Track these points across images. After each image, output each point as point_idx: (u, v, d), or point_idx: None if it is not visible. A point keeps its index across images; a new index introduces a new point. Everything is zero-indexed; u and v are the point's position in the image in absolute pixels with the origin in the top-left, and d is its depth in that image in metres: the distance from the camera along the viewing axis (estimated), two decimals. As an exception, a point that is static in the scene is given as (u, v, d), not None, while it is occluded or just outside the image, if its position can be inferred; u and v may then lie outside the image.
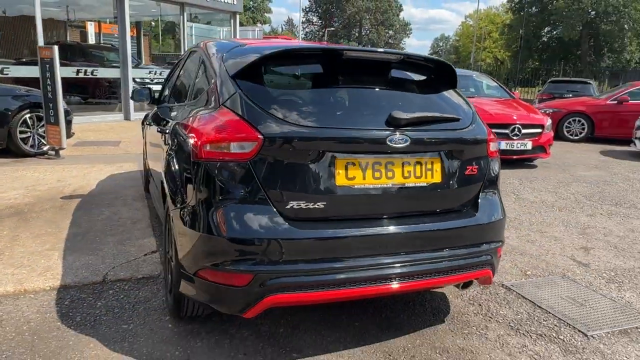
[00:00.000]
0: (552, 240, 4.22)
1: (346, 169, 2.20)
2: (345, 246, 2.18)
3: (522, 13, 40.27)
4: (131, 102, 11.48)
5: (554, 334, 2.66)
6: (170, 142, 2.67)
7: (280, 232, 2.10)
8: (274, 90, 2.29)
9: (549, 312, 2.89)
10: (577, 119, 11.31)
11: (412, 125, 2.28)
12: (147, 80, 13.13)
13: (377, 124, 2.26)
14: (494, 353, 2.46)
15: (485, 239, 2.49)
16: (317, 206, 2.18)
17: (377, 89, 2.47)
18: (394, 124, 2.25)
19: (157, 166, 3.34)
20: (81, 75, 10.83)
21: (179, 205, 2.32)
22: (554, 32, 41.16)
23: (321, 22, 64.01)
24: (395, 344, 2.50)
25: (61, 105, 6.81)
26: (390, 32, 62.92)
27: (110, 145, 8.18)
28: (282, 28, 72.86)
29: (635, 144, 9.23)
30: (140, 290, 3.00)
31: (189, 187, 2.24)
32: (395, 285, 2.26)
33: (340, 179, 2.19)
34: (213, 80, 2.49)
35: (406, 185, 2.30)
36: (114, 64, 12.48)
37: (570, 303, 3.01)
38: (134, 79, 11.86)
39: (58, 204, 4.67)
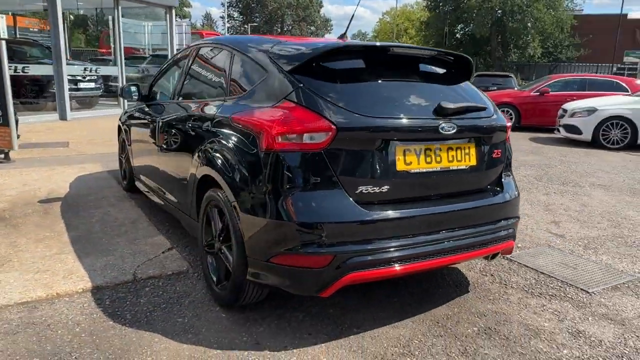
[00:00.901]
0: (526, 217, 4.71)
1: (404, 155, 2.42)
2: (408, 225, 2.39)
3: (437, 10, 42.52)
4: (67, 101, 10.83)
5: (562, 294, 3.06)
6: (219, 136, 2.72)
7: (355, 215, 2.28)
8: (331, 84, 2.44)
9: (551, 276, 3.30)
10: (505, 109, 12.35)
11: (456, 114, 2.54)
12: (79, 78, 12.44)
13: (427, 113, 2.49)
14: (523, 313, 2.80)
15: (510, 215, 2.83)
16: (381, 190, 2.37)
17: (417, 82, 2.70)
18: (442, 113, 2.50)
19: (176, 161, 3.36)
20: (11, 72, 10.04)
21: (246, 196, 2.40)
22: (467, 30, 43.87)
23: (242, 18, 63.26)
24: (437, 313, 2.76)
25: (11, 104, 6.36)
26: (312, 28, 63.54)
27: (59, 147, 7.73)
28: (201, 23, 71.06)
29: (559, 131, 10.30)
30: (175, 285, 3.01)
31: (260, 177, 2.33)
32: (446, 258, 2.51)
33: (400, 164, 2.41)
34: (263, 76, 2.59)
35: (451, 168, 2.56)
36: (41, 61, 11.67)
37: (565, 267, 3.46)
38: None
39: (40, 208, 4.43)
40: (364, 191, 2.34)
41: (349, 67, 2.54)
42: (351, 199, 2.31)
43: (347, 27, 3.47)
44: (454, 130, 2.50)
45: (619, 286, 3.20)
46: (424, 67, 2.80)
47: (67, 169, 6.14)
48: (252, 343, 2.43)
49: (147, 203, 4.73)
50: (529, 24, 38.48)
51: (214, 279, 2.81)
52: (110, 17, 13.79)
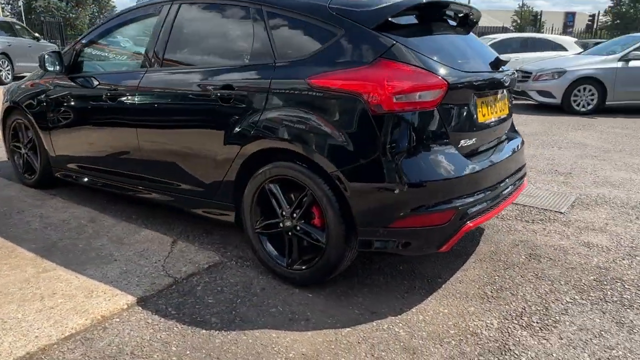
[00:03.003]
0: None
1: (481, 106, 2.56)
2: (492, 172, 2.57)
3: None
4: None
5: (548, 218, 3.64)
6: (286, 104, 2.43)
7: (468, 168, 2.36)
8: (418, 39, 2.40)
9: (527, 206, 3.88)
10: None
11: (503, 67, 2.76)
12: None
13: (487, 66, 2.65)
14: (539, 237, 3.26)
15: (524, 155, 3.23)
16: (472, 142, 2.50)
17: (466, 37, 2.83)
18: (497, 66, 2.68)
19: (186, 142, 2.89)
20: None
21: (356, 164, 2.24)
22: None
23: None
24: (483, 251, 3.04)
25: None
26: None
27: None
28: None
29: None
30: (224, 278, 2.67)
31: (376, 142, 2.21)
32: (508, 200, 2.78)
33: (480, 116, 2.54)
34: (334, 35, 2.38)
35: (500, 117, 2.80)
36: None
37: (530, 198, 4.08)
38: None
39: (-60, 225, 3.32)
40: (463, 145, 2.42)
41: (425, 22, 2.52)
42: (460, 153, 2.38)
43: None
44: (508, 82, 2.73)
45: (574, 204, 3.94)
46: (463, 22, 2.93)
47: None
48: (368, 313, 2.36)
49: (81, 196, 3.93)
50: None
51: (284, 262, 2.59)
52: None
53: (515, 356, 2.05)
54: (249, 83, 2.59)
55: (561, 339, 2.17)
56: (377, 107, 2.20)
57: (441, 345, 2.13)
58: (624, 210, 3.81)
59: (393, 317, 2.33)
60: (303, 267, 2.54)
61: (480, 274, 2.75)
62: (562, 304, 2.45)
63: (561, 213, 3.73)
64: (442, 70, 2.29)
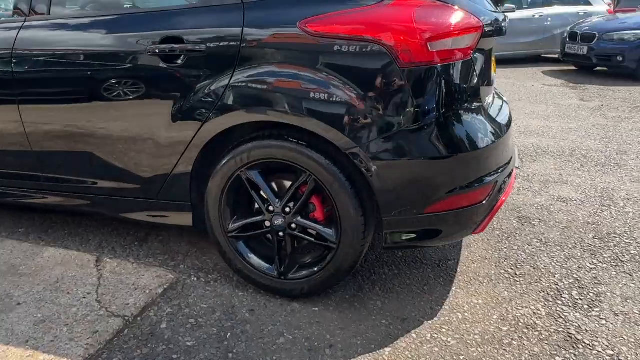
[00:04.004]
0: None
1: (493, 56, 2.14)
2: (508, 135, 2.19)
3: None
4: None
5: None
6: (270, 61, 1.74)
7: (500, 131, 1.93)
8: None
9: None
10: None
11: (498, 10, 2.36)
12: None
13: (492, 8, 2.22)
14: (522, 198, 3.06)
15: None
16: (489, 101, 2.09)
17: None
18: (494, 8, 2.27)
19: (110, 122, 2.04)
20: None
21: (381, 137, 1.67)
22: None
23: None
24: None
25: None
26: None
27: None
28: None
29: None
30: (192, 302, 1.97)
31: (404, 105, 1.66)
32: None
33: (494, 68, 2.14)
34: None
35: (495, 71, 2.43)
36: None
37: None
38: None
39: None
40: (485, 104, 2.00)
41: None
42: (488, 114, 1.95)
43: None
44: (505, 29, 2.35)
45: (520, 157, 3.85)
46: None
47: None
48: (398, 322, 1.88)
49: None
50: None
51: (274, 271, 1.97)
52: None
53: (590, 347, 1.76)
54: (208, 33, 1.84)
55: (616, 315, 1.93)
56: (407, 59, 1.65)
57: (506, 350, 1.74)
58: (565, 159, 3.82)
59: (430, 322, 1.89)
60: (302, 275, 1.95)
61: (487, 248, 2.43)
62: (587, 271, 2.23)
63: (517, 167, 3.59)
64: (471, 8, 1.81)
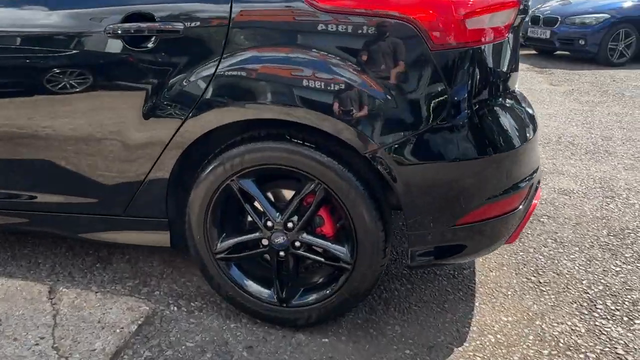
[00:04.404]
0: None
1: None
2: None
3: None
4: None
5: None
6: (264, 43, 1.39)
7: (535, 123, 1.67)
8: None
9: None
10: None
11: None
12: None
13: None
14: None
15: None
16: (517, 87, 1.81)
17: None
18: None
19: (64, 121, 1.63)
20: None
21: (408, 134, 1.37)
22: None
23: None
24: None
25: None
26: None
27: None
28: None
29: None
30: (176, 340, 1.61)
31: (434, 96, 1.36)
32: None
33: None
34: None
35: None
36: None
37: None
38: None
39: None
40: (517, 94, 1.73)
41: None
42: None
43: None
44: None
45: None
46: None
47: None
48: (425, 350, 1.60)
49: None
50: None
51: (273, 297, 1.64)
52: None
53: (645, 370, 1.55)
54: (187, 10, 1.46)
55: (661, 327, 1.74)
56: (439, 39, 1.34)
57: (554, 380, 1.51)
58: (553, 147, 3.67)
59: (460, 349, 1.62)
60: (309, 301, 1.63)
61: (501, 253, 2.19)
62: (614, 275, 2.03)
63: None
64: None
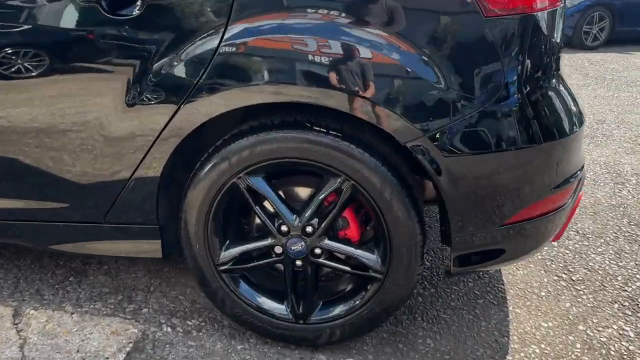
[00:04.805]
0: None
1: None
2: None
3: None
4: None
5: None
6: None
7: (583, 110, 1.46)
8: None
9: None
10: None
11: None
12: None
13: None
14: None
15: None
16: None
17: None
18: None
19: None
20: None
21: (456, 119, 1.13)
22: None
23: None
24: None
25: None
26: None
27: None
28: None
29: None
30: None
31: (489, 75, 1.13)
32: None
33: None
34: None
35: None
36: None
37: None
38: None
39: None
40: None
41: None
42: (566, 84, 1.47)
43: None
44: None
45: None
46: None
47: None
48: (463, 359, 1.40)
49: None
50: None
51: (288, 313, 1.40)
52: None
53: None
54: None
55: None
56: (496, 4, 1.11)
57: (617, 397, 1.33)
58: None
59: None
60: (332, 316, 1.39)
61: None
62: (647, 269, 1.89)
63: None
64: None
